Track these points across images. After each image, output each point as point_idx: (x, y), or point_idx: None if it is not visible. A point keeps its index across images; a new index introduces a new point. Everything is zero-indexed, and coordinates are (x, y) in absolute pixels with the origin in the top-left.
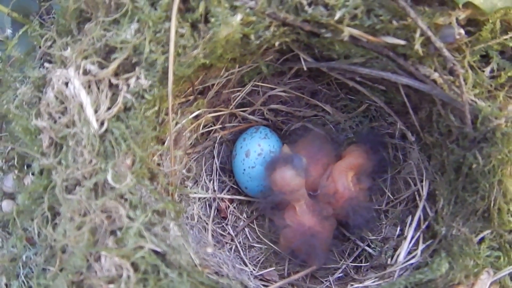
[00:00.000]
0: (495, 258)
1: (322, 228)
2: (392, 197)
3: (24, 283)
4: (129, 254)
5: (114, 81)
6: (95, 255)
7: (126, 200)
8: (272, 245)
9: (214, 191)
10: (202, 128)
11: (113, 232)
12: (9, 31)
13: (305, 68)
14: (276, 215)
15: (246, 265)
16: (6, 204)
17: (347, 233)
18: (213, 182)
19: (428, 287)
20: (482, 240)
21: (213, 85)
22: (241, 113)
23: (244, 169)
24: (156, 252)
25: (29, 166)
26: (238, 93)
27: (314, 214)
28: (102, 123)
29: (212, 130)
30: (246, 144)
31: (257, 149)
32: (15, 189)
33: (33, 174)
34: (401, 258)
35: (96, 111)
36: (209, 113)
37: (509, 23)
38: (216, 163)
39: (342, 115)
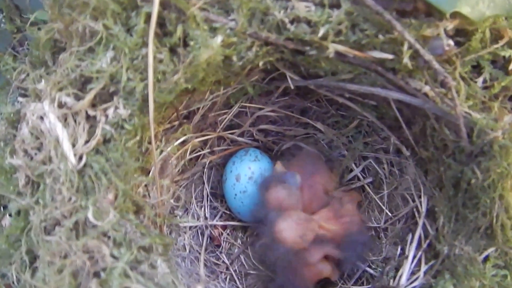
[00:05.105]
0: (501, 277)
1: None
2: (390, 214)
3: None
4: None
5: (91, 112)
6: None
7: (109, 238)
8: (269, 273)
9: (206, 218)
10: (190, 154)
11: (96, 274)
12: None
13: (292, 87)
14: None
15: None
16: None
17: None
18: (205, 209)
19: None
20: (486, 258)
21: (198, 109)
22: (230, 135)
23: (236, 194)
24: None
25: (5, 207)
26: (225, 116)
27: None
28: (80, 158)
29: (200, 155)
30: (236, 167)
31: (247, 172)
32: None
33: (10, 215)
34: (403, 280)
35: (73, 145)
36: (196, 137)
37: (499, 31)
38: (206, 189)
39: (334, 132)
